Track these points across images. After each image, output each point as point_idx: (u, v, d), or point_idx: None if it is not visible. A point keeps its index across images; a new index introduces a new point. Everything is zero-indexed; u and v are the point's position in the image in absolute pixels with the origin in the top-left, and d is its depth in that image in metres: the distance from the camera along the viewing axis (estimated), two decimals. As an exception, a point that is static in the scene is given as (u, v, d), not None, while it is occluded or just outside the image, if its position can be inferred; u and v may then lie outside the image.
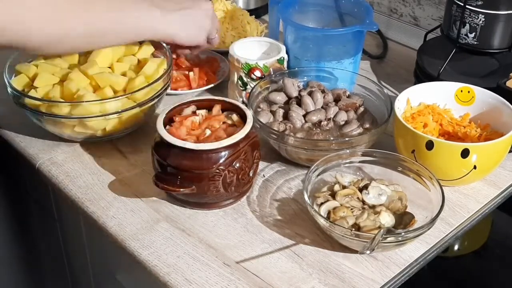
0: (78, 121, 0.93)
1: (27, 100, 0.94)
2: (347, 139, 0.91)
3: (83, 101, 0.91)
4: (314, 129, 0.95)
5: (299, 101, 0.99)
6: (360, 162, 0.89)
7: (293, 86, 1.01)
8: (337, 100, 1.00)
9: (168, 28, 0.97)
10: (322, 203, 0.83)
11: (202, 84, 1.14)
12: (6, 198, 1.22)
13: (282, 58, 1.05)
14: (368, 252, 0.72)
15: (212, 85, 1.13)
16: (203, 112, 0.90)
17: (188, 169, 0.82)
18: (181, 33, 0.98)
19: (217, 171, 0.82)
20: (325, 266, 0.79)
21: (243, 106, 0.90)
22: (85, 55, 1.01)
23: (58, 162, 0.97)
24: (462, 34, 1.04)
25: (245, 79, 1.04)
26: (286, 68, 1.07)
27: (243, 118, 0.88)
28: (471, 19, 1.02)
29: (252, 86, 1.02)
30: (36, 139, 1.01)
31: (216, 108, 0.91)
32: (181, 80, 1.13)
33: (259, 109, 0.98)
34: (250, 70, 1.03)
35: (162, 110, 0.89)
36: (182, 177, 0.83)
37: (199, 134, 0.86)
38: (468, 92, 0.96)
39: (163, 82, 0.98)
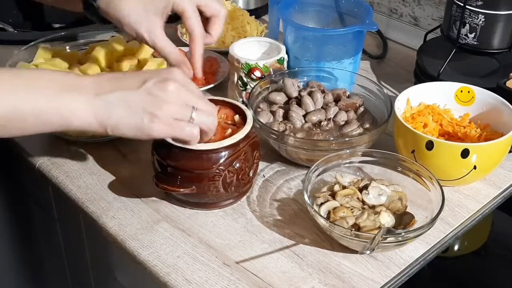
0: (78, 121, 0.93)
1: (27, 100, 0.93)
2: (347, 139, 0.91)
3: (83, 101, 0.91)
4: (314, 129, 0.95)
5: (299, 101, 0.99)
6: (360, 162, 0.89)
7: (293, 86, 1.01)
8: (337, 100, 1.00)
9: (99, 116, 0.72)
10: (322, 203, 0.83)
11: (202, 84, 1.14)
12: (6, 198, 1.22)
13: (282, 58, 1.05)
14: (368, 252, 0.72)
15: (212, 85, 1.13)
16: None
17: (188, 169, 0.82)
18: (119, 122, 0.73)
19: (217, 171, 0.82)
20: (325, 266, 0.79)
21: (243, 106, 0.90)
22: (85, 55, 1.02)
23: (58, 162, 0.97)
24: (462, 34, 1.04)
25: (245, 79, 1.04)
26: (286, 68, 1.07)
27: (243, 118, 0.88)
28: (471, 19, 1.02)
29: (252, 86, 1.02)
30: (36, 139, 1.01)
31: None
32: (181, 80, 1.13)
33: (259, 109, 0.98)
34: (250, 70, 1.03)
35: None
36: (182, 177, 0.83)
37: None
38: (468, 92, 0.96)
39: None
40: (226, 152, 0.83)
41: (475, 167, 0.86)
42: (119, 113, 0.72)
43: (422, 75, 1.10)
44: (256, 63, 1.03)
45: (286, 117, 0.97)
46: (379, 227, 0.79)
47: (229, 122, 0.89)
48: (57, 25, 1.37)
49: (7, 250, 1.26)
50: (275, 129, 0.93)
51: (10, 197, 1.22)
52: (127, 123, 0.73)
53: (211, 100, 0.92)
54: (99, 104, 0.71)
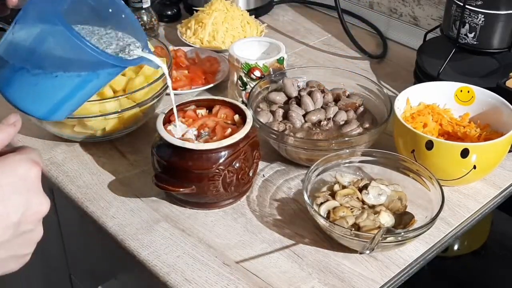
0: (77, 121, 0.93)
1: (27, 100, 0.94)
2: (347, 139, 0.91)
3: (82, 101, 0.91)
4: (314, 129, 0.95)
5: (299, 101, 0.99)
6: (359, 162, 0.89)
7: (292, 86, 1.01)
8: (336, 100, 1.00)
9: None
10: (321, 203, 0.83)
11: (202, 84, 1.14)
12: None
13: (281, 58, 1.05)
14: (368, 252, 0.72)
15: (212, 85, 1.13)
16: (202, 111, 0.91)
17: (188, 169, 0.82)
18: None
19: (217, 171, 0.82)
20: (324, 266, 0.79)
21: (243, 106, 0.90)
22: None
23: (58, 162, 0.97)
24: (461, 34, 1.04)
25: (245, 79, 1.04)
26: (285, 68, 1.07)
27: (243, 118, 0.88)
28: (470, 19, 1.02)
29: (252, 86, 1.02)
30: (36, 139, 1.01)
31: (216, 108, 0.91)
32: (181, 80, 1.13)
33: (258, 109, 0.98)
34: (249, 70, 1.03)
35: (162, 110, 0.89)
36: (181, 177, 0.83)
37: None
38: (468, 92, 0.96)
39: (162, 82, 0.98)
40: (226, 152, 0.83)
41: (474, 167, 0.86)
42: None
43: (422, 75, 1.10)
44: (256, 63, 1.03)
45: (286, 117, 0.97)
46: (379, 227, 0.79)
47: (229, 122, 0.89)
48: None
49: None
50: (275, 129, 0.93)
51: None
52: None
53: (210, 100, 0.92)
54: None
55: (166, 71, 0.81)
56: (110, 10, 0.74)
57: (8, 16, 1.36)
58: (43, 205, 0.57)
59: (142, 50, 0.72)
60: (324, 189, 0.87)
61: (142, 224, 0.85)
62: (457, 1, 1.03)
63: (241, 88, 1.05)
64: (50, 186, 0.96)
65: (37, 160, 0.57)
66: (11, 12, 0.83)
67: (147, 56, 0.72)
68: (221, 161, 0.82)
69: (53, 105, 0.69)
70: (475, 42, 1.04)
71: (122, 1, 0.74)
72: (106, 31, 0.73)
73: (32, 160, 0.57)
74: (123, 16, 0.74)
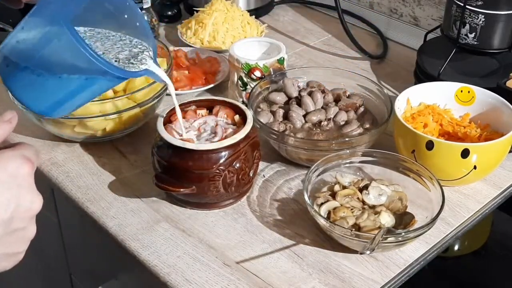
0: (78, 121, 0.93)
1: (27, 100, 0.94)
2: (347, 139, 0.91)
3: (83, 101, 0.91)
4: (314, 129, 0.95)
5: (299, 101, 0.99)
6: (360, 162, 0.89)
7: (293, 86, 1.01)
8: (337, 100, 1.00)
9: None
10: (322, 203, 0.83)
11: (202, 84, 1.14)
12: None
13: (282, 58, 1.05)
14: (368, 252, 0.72)
15: (212, 85, 1.13)
16: (203, 112, 0.91)
17: (188, 169, 0.82)
18: None
19: (217, 171, 0.82)
20: (325, 266, 0.79)
21: (243, 106, 0.90)
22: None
23: (58, 162, 0.97)
24: (462, 34, 1.04)
25: (245, 79, 1.04)
26: (286, 68, 1.07)
27: (243, 118, 0.88)
28: (471, 19, 1.02)
29: (252, 86, 1.02)
30: (36, 139, 1.01)
31: (217, 109, 0.91)
32: (181, 80, 1.13)
33: (259, 109, 0.98)
34: (250, 70, 1.03)
35: (162, 110, 0.89)
36: (182, 177, 0.83)
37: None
38: (468, 92, 0.96)
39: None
40: (226, 152, 0.83)
41: (475, 167, 0.86)
42: None
43: (422, 75, 1.10)
44: (256, 63, 1.03)
45: (286, 117, 0.97)
46: (379, 227, 0.79)
47: (229, 122, 0.89)
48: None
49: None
50: (275, 129, 0.93)
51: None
52: None
53: (211, 100, 0.92)
54: None
55: (172, 87, 0.81)
56: (126, 16, 0.74)
57: (7, 16, 1.37)
58: (34, 203, 0.57)
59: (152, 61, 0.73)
60: (325, 189, 0.87)
61: (143, 225, 0.85)
62: (457, 1, 1.03)
63: (242, 89, 1.05)
64: (50, 187, 0.96)
65: (30, 156, 0.57)
66: (25, 6, 0.83)
67: (154, 70, 0.73)
68: (221, 161, 0.82)
69: (53, 103, 0.70)
70: (475, 42, 1.04)
71: (139, 10, 0.75)
72: (121, 37, 0.74)
73: (24, 157, 0.56)
74: (137, 24, 0.74)
